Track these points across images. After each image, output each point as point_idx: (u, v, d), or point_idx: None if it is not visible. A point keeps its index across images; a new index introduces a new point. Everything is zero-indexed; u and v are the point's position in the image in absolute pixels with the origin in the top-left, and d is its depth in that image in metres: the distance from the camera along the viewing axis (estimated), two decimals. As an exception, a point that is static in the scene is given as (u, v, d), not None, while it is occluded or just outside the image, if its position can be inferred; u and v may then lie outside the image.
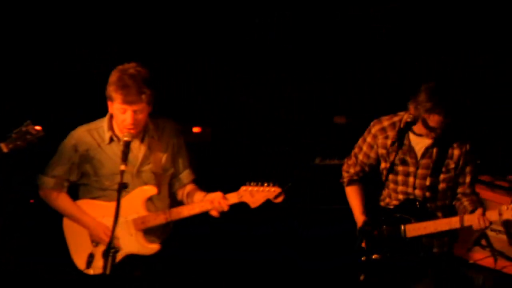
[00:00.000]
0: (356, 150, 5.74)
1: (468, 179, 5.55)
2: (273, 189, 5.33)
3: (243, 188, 5.38)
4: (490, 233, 6.37)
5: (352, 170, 5.75)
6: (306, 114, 7.71)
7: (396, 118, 5.57)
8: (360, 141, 5.71)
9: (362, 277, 5.53)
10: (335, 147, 7.38)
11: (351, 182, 5.77)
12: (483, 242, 6.17)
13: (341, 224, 6.65)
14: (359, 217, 5.66)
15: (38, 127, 5.08)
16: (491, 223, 5.34)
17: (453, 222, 5.41)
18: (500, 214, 5.32)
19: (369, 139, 5.65)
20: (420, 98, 5.29)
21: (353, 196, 5.76)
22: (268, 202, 5.37)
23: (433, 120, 5.29)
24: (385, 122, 5.60)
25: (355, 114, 7.47)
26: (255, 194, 5.35)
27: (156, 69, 5.44)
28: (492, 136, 6.95)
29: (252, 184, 5.36)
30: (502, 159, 6.84)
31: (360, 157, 5.70)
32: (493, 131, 7.04)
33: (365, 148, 5.68)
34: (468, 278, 6.51)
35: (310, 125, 7.64)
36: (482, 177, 6.19)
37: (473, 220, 5.35)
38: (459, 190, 5.56)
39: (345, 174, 5.79)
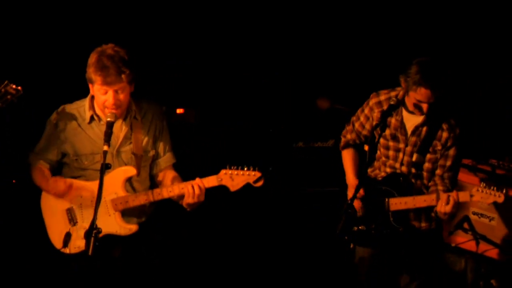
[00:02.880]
0: (354, 118, 5.83)
1: (448, 163, 5.59)
2: (253, 173, 5.32)
3: (223, 171, 5.35)
4: (472, 217, 6.37)
5: (348, 136, 5.86)
6: (289, 96, 7.67)
7: (393, 93, 5.62)
8: (359, 110, 5.80)
9: (351, 246, 5.66)
10: (319, 130, 7.38)
11: (346, 146, 5.88)
12: (465, 225, 6.15)
13: (325, 206, 6.71)
14: (352, 180, 5.75)
15: (18, 87, 5.02)
16: (456, 205, 5.40)
17: (430, 199, 5.48)
18: (471, 195, 5.42)
19: (366, 110, 5.73)
20: (410, 70, 5.35)
21: (347, 159, 5.87)
22: (247, 186, 5.35)
23: (420, 93, 5.33)
24: (382, 96, 5.66)
25: (340, 98, 7.44)
26: (235, 178, 5.33)
27: (138, 49, 5.42)
28: (474, 119, 6.94)
29: (232, 167, 5.34)
30: (484, 142, 6.83)
31: (356, 125, 5.80)
32: (475, 114, 7.03)
33: (361, 118, 5.77)
34: (449, 261, 6.53)
35: (293, 108, 7.61)
36: (464, 160, 6.18)
37: (445, 197, 5.41)
38: (438, 172, 5.61)
39: (342, 139, 5.91)
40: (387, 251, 5.72)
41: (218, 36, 7.63)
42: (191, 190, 5.34)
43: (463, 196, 5.41)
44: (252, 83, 7.70)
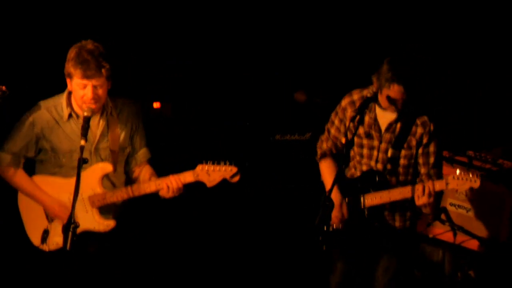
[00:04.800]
0: (328, 124, 5.76)
1: (431, 160, 5.56)
2: (229, 168, 5.31)
3: (199, 166, 5.34)
4: (450, 208, 6.40)
5: (324, 146, 5.77)
6: (266, 89, 7.66)
7: (365, 92, 5.58)
8: (332, 115, 5.73)
9: (324, 248, 5.47)
10: (296, 122, 7.38)
11: (323, 156, 5.78)
12: (443, 216, 6.17)
13: (302, 200, 6.70)
14: (333, 195, 5.54)
15: (2, 87, 5.07)
16: (432, 194, 5.37)
17: (405, 192, 5.46)
18: (447, 183, 5.39)
19: (339, 112, 5.67)
20: (382, 69, 5.32)
21: (325, 170, 5.76)
22: (224, 182, 5.34)
23: (393, 90, 5.30)
24: (355, 95, 5.61)
25: (316, 90, 7.44)
26: (211, 173, 5.32)
27: (114, 44, 5.41)
28: (452, 111, 6.96)
29: (209, 163, 5.33)
30: (462, 134, 6.85)
31: (332, 131, 5.73)
32: (453, 106, 7.05)
33: (336, 122, 5.70)
34: (427, 252, 6.55)
35: (270, 101, 7.59)
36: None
37: (420, 187, 5.40)
38: (423, 171, 5.57)
39: (318, 150, 5.81)
40: (362, 249, 5.72)
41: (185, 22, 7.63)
42: (170, 185, 5.35)
43: (439, 185, 5.38)
44: (227, 79, 7.70)
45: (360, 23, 7.55)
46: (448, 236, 6.32)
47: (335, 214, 5.53)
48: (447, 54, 7.18)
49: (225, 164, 5.31)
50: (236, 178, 5.31)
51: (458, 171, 5.38)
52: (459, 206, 6.46)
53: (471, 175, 5.34)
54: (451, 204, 6.47)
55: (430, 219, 6.22)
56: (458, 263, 6.39)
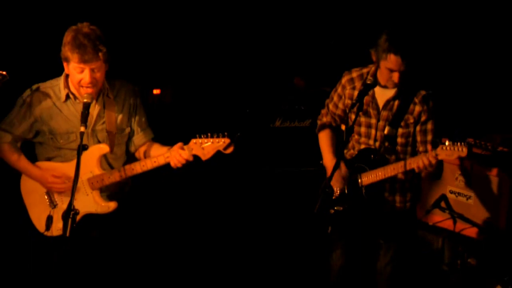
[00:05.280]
0: (328, 100, 5.81)
1: (429, 137, 5.57)
2: (222, 140, 5.32)
3: (193, 141, 5.36)
4: (449, 196, 6.37)
5: (324, 119, 5.83)
6: (266, 75, 7.68)
7: (365, 70, 5.61)
8: (332, 91, 5.77)
9: (329, 229, 5.60)
10: (295, 109, 7.40)
11: (322, 127, 5.83)
12: (443, 204, 6.15)
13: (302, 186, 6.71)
14: (329, 161, 5.68)
15: (2, 72, 5.09)
16: (430, 166, 5.39)
17: (398, 167, 5.47)
18: (437, 155, 5.39)
19: (339, 89, 5.71)
20: (379, 40, 5.34)
21: (323, 140, 5.81)
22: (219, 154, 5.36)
23: (390, 60, 5.30)
24: (354, 73, 5.65)
25: (316, 77, 7.46)
26: (205, 146, 5.34)
27: (114, 30, 5.47)
28: (452, 97, 6.96)
29: (202, 136, 5.35)
30: (461, 121, 6.84)
31: (330, 106, 5.78)
32: (452, 92, 7.05)
33: (335, 98, 5.74)
34: (427, 240, 6.52)
35: (270, 87, 7.61)
36: (441, 139, 6.20)
37: (413, 161, 5.40)
38: (421, 149, 5.58)
39: (318, 122, 5.87)
40: (363, 229, 5.72)
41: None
42: (173, 162, 5.38)
43: (430, 157, 5.38)
44: (228, 64, 7.72)
45: (358, 15, 7.59)
46: (448, 224, 6.29)
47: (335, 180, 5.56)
48: (446, 42, 7.20)
49: (218, 136, 5.33)
50: (230, 150, 5.31)
51: (447, 142, 5.38)
52: (459, 193, 6.44)
53: (459, 144, 5.35)
54: (451, 192, 6.45)
55: (428, 207, 6.20)
56: (457, 251, 6.36)
